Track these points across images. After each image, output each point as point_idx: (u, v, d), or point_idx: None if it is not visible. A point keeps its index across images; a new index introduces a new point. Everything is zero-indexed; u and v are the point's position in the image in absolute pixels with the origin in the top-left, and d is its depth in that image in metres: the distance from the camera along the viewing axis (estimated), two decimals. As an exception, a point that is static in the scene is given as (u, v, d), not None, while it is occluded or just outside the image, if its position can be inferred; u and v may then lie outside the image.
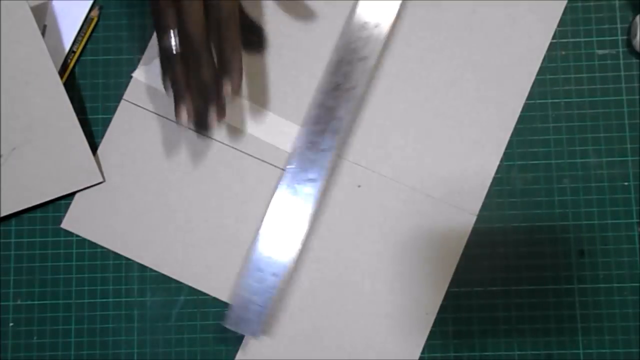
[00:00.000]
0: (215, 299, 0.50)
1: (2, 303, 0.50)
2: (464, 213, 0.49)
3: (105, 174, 0.50)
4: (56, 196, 0.50)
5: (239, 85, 0.46)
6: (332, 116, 0.49)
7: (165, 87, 0.47)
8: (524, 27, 0.51)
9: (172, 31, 0.45)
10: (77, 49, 0.51)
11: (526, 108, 0.50)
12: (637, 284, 0.49)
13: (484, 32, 0.51)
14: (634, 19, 0.51)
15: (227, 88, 0.45)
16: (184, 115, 0.45)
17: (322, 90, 0.50)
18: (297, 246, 0.48)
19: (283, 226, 0.49)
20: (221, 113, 0.46)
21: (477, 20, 0.51)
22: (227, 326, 0.48)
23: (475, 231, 0.49)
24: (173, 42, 0.45)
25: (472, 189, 0.50)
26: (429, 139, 0.50)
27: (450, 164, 0.50)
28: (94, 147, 0.51)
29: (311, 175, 0.49)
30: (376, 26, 0.50)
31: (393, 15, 0.50)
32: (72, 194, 0.50)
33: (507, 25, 0.51)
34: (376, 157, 0.50)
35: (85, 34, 0.51)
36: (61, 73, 0.51)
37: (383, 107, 0.51)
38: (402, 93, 0.51)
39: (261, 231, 0.49)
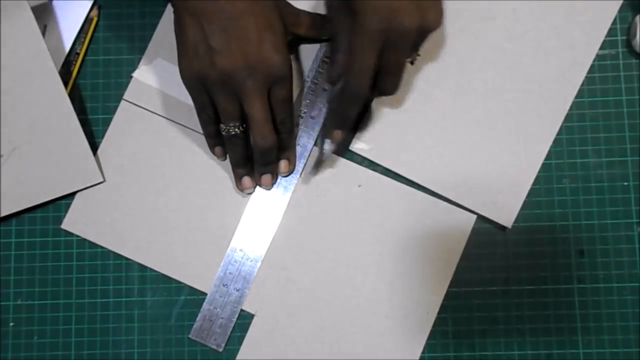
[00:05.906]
0: (215, 298, 0.50)
1: (2, 303, 0.50)
2: (464, 213, 0.49)
3: (105, 174, 0.50)
4: (56, 196, 0.50)
5: (294, 166, 0.50)
6: (308, 114, 0.50)
7: (215, 154, 0.50)
8: (569, 39, 0.50)
9: (233, 123, 0.45)
10: (81, 50, 0.51)
11: (526, 108, 0.50)
12: (637, 284, 0.49)
13: (527, 42, 0.50)
14: (633, 19, 0.51)
15: (283, 166, 0.49)
16: (248, 183, 0.49)
17: (307, 91, 0.51)
18: (259, 260, 0.49)
19: (251, 239, 0.50)
20: (274, 177, 0.50)
21: (520, 30, 0.50)
22: (193, 337, 0.49)
23: (475, 231, 0.49)
24: (234, 132, 0.46)
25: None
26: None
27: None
28: (94, 147, 0.51)
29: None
30: None
31: None
32: (73, 194, 0.50)
33: (551, 36, 0.50)
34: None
35: (87, 34, 0.51)
36: (66, 76, 0.51)
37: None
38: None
39: (230, 245, 0.49)
